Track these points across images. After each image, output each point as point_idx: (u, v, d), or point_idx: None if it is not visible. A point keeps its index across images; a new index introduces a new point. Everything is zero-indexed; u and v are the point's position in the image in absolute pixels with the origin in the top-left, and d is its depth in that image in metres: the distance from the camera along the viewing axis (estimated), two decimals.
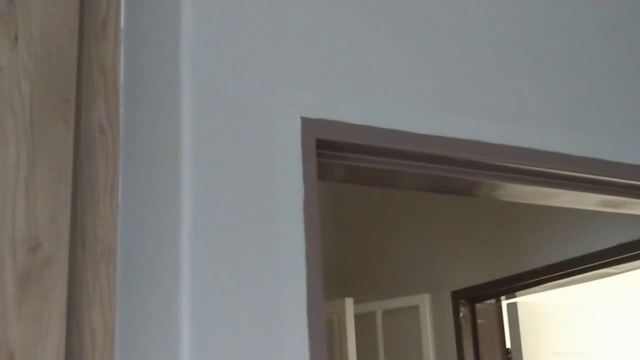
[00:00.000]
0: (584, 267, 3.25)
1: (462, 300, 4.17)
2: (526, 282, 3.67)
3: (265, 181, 1.11)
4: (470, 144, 1.23)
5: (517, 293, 3.89)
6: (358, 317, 4.65)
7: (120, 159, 1.33)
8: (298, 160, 1.13)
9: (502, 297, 4.05)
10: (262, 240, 1.08)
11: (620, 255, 3.04)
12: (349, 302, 4.37)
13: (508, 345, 3.85)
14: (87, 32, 1.36)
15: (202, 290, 1.05)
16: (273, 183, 1.11)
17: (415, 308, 4.41)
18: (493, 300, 4.07)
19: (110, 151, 1.33)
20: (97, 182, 1.31)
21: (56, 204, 1.23)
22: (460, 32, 1.34)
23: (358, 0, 1.28)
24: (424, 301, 4.39)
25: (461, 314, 4.14)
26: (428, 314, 4.35)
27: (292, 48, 1.18)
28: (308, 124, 1.15)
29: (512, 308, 3.71)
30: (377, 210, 5.17)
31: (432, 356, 4.26)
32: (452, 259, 4.39)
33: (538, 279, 3.58)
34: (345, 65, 1.22)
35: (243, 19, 1.16)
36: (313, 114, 1.15)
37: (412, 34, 1.30)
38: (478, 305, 4.10)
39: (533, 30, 1.42)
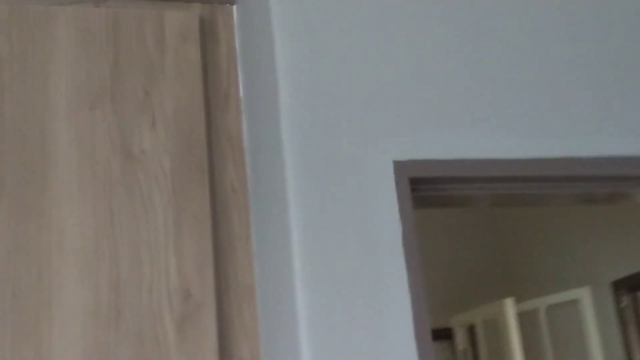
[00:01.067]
0: None
1: (624, 290, 4.11)
2: None
3: (365, 222, 1.27)
4: (555, 161, 1.33)
5: None
6: (521, 316, 4.68)
7: (251, 213, 1.54)
8: (393, 199, 1.28)
9: None
10: (366, 276, 1.24)
11: None
12: (509, 303, 4.41)
13: None
14: (213, 106, 1.59)
15: (317, 328, 1.22)
16: (372, 223, 1.27)
17: (577, 302, 4.39)
18: None
19: (242, 207, 1.54)
20: (234, 234, 1.52)
21: (201, 257, 1.46)
22: (532, 57, 1.44)
23: (435, 40, 1.42)
24: (585, 294, 4.35)
25: (624, 304, 4.08)
26: (590, 306, 4.31)
27: (379, 98, 1.34)
28: (400, 166, 1.30)
29: None
30: (524, 213, 5.17)
31: (598, 350, 4.22)
32: (611, 248, 4.33)
33: None
34: (428, 105, 1.36)
35: (334, 80, 1.33)
36: (404, 156, 1.30)
37: (489, 65, 1.42)
38: None
39: (612, 46, 1.49)
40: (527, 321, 4.73)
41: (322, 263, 1.26)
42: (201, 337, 1.41)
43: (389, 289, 1.26)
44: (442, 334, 5.23)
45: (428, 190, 1.37)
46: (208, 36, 1.63)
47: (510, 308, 4.44)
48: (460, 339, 5.17)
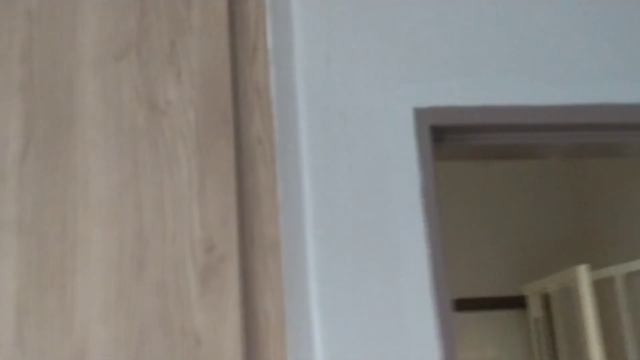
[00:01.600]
0: None
1: None
2: None
3: (382, 174, 1.23)
4: (586, 108, 1.25)
5: None
6: (597, 284, 4.53)
7: (277, 165, 1.52)
8: (412, 148, 1.23)
9: None
10: (381, 231, 1.20)
11: None
12: (582, 270, 4.27)
13: None
14: (240, 57, 1.57)
15: (327, 280, 1.19)
16: (389, 175, 1.23)
17: None
18: None
19: (268, 159, 1.52)
20: (260, 187, 1.51)
21: (225, 209, 1.45)
22: (560, 0, 1.36)
23: None
24: None
25: None
26: None
27: (396, 45, 1.29)
28: (421, 114, 1.25)
29: None
30: (604, 168, 4.96)
31: None
32: None
33: None
34: (450, 50, 1.30)
35: (348, 28, 1.29)
36: (425, 104, 1.25)
37: (515, 8, 1.35)
38: None
39: None
40: (603, 289, 4.58)
41: (334, 216, 1.23)
42: (224, 289, 1.41)
43: (405, 245, 1.22)
44: (514, 302, 5.12)
45: (451, 140, 1.32)
46: None
47: (583, 275, 4.30)
48: (535, 307, 5.05)
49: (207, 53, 1.53)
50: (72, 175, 1.42)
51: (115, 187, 1.43)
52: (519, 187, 5.23)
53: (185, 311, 1.39)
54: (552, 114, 1.27)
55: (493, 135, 1.29)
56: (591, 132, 1.31)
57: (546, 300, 4.95)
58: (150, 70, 1.50)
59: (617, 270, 4.49)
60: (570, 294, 4.53)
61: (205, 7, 1.54)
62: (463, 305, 4.84)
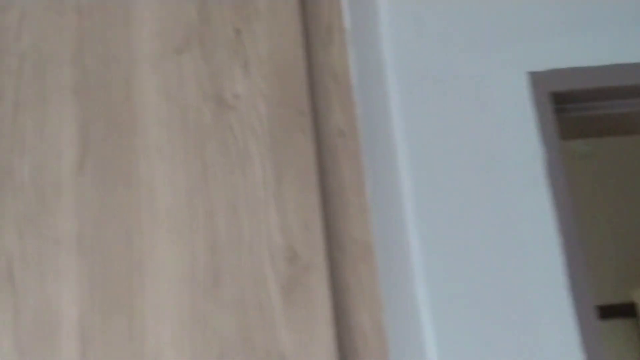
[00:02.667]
0: None
1: None
2: None
3: (493, 153, 1.03)
4: None
5: None
6: None
7: (363, 159, 1.33)
8: (530, 121, 1.03)
9: None
10: (498, 220, 0.99)
11: None
12: None
13: None
14: (313, 40, 1.39)
15: (438, 286, 1.00)
16: (503, 154, 1.03)
17: None
18: None
19: (352, 153, 1.34)
20: (344, 184, 1.32)
21: (306, 212, 1.27)
22: None
23: None
24: None
25: None
26: None
27: (499, 2, 1.09)
28: (538, 79, 1.04)
29: None
30: None
31: None
32: None
33: None
34: (564, 4, 1.09)
35: None
36: (541, 66, 1.04)
37: None
38: None
39: None
40: None
41: (440, 209, 1.03)
42: (311, 303, 1.22)
43: (530, 238, 1.01)
44: (624, 310, 4.75)
45: (576, 110, 1.10)
46: None
47: None
48: None
49: (277, 39, 1.36)
50: (135, 184, 1.26)
51: (183, 193, 1.26)
52: (622, 184, 4.83)
53: (269, 330, 1.21)
54: None
55: (629, 101, 1.07)
56: None
57: None
58: (215, 62, 1.34)
59: None
60: None
61: None
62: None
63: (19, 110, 1.29)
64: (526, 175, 1.02)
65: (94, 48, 1.33)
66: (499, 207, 1.02)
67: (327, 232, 1.29)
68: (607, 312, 4.75)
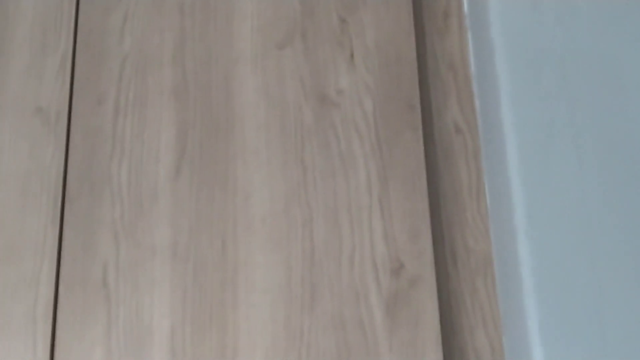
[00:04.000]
0: None
1: None
2: None
3: (619, 143, 0.84)
4: None
5: None
6: None
7: (482, 159, 1.17)
8: None
9: None
10: (628, 225, 0.81)
11: None
12: None
13: None
14: (427, 28, 1.25)
15: (550, 304, 0.83)
16: (631, 143, 0.84)
17: None
18: None
19: (470, 151, 1.18)
20: (460, 187, 1.17)
21: (415, 219, 1.13)
22: None
23: None
24: None
25: None
26: None
27: None
28: None
29: None
30: None
31: None
32: None
33: None
34: None
35: None
36: None
37: None
38: None
39: None
40: None
41: (557, 213, 0.87)
42: (418, 321, 1.08)
43: None
44: None
45: None
46: None
47: None
48: None
49: (386, 27, 1.23)
50: (232, 189, 1.19)
51: (281, 199, 1.17)
52: None
53: (371, 351, 1.08)
54: None
55: None
56: None
57: None
58: (318, 56, 1.23)
59: None
60: None
61: None
62: None
63: (119, 114, 1.26)
64: None
65: (194, 48, 1.27)
66: (626, 209, 0.84)
67: (439, 241, 1.14)
68: None
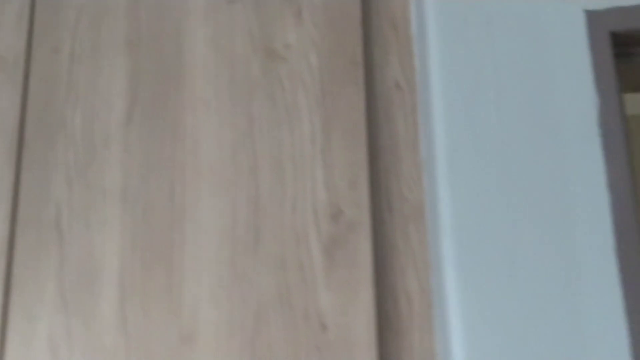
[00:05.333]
0: None
1: None
2: None
3: (540, 101, 0.91)
4: None
5: None
6: None
7: (419, 114, 1.24)
8: (585, 64, 0.90)
9: None
10: (541, 175, 0.88)
11: None
12: None
13: None
14: None
15: (469, 250, 0.91)
16: (551, 101, 0.91)
17: None
18: None
19: (408, 107, 1.25)
20: (398, 140, 1.24)
21: (354, 168, 1.20)
22: None
23: None
24: None
25: None
26: None
27: None
28: (595, 18, 0.91)
29: None
30: None
31: None
32: None
33: None
34: None
35: None
36: (600, 4, 0.91)
37: None
38: None
39: None
40: None
41: (477, 162, 0.94)
42: (354, 263, 1.16)
43: (576, 196, 0.89)
44: None
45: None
46: None
47: None
48: None
49: None
50: (181, 137, 1.25)
51: (228, 147, 1.23)
52: None
53: (309, 290, 1.16)
54: None
55: None
56: None
57: None
58: (267, 11, 1.29)
59: None
60: None
61: None
62: None
63: (74, 62, 1.30)
64: (578, 128, 0.90)
65: (147, 0, 1.32)
66: (546, 160, 0.91)
67: (376, 190, 1.22)
68: None
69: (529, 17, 0.95)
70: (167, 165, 1.24)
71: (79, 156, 1.25)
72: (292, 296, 1.16)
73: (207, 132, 1.24)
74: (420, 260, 1.19)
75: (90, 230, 1.21)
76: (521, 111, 0.94)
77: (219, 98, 1.26)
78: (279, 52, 1.26)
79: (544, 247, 0.90)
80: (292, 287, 1.17)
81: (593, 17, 0.93)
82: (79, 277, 1.19)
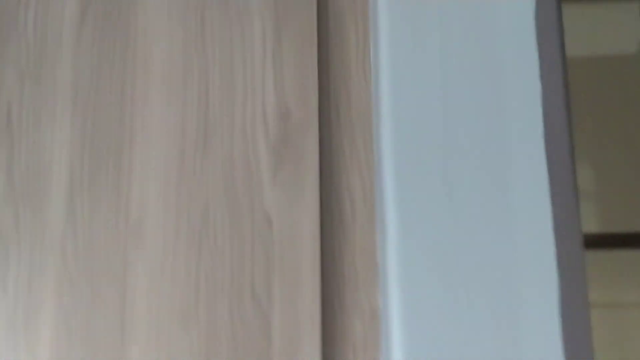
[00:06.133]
0: None
1: None
2: None
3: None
4: None
5: None
6: None
7: (370, 19, 1.26)
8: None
9: None
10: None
11: None
12: None
13: None
14: None
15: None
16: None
17: None
18: None
19: (359, 12, 1.27)
20: (348, 44, 1.26)
21: (304, 71, 1.22)
22: None
23: None
24: None
25: None
26: None
27: None
28: None
29: None
30: None
31: None
32: None
33: None
34: None
35: None
36: None
37: None
38: None
39: None
40: None
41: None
42: (301, 163, 1.18)
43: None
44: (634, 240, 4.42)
45: None
46: None
47: None
48: None
49: None
50: (132, 35, 1.25)
51: (179, 48, 1.24)
52: None
53: (256, 188, 1.18)
54: None
55: None
56: None
57: None
58: None
59: None
60: None
61: None
62: (598, 242, 4.22)
63: None
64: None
65: None
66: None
67: (325, 93, 1.24)
68: (616, 241, 4.42)
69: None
70: (119, 64, 1.24)
71: (31, 55, 1.26)
72: (239, 193, 1.18)
73: (159, 32, 1.25)
74: (364, 163, 1.22)
75: (40, 126, 1.22)
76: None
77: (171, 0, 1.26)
78: None
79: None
80: (240, 184, 1.19)
81: None
82: (28, 170, 1.21)
